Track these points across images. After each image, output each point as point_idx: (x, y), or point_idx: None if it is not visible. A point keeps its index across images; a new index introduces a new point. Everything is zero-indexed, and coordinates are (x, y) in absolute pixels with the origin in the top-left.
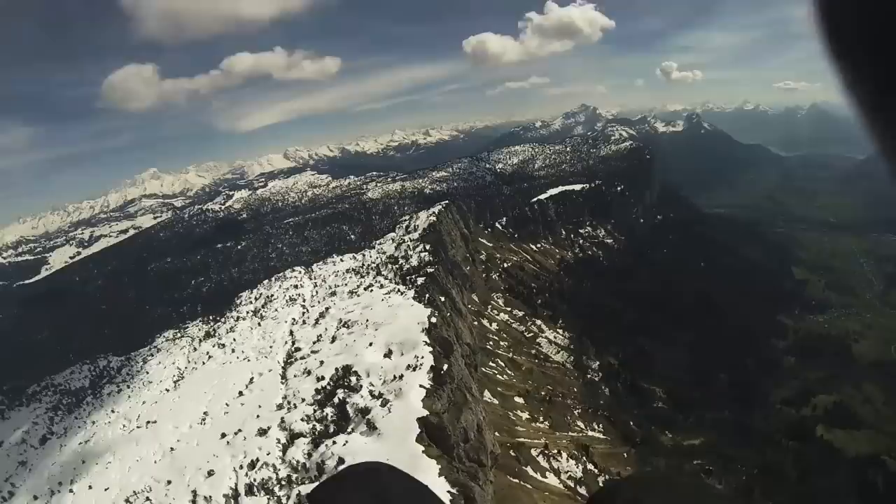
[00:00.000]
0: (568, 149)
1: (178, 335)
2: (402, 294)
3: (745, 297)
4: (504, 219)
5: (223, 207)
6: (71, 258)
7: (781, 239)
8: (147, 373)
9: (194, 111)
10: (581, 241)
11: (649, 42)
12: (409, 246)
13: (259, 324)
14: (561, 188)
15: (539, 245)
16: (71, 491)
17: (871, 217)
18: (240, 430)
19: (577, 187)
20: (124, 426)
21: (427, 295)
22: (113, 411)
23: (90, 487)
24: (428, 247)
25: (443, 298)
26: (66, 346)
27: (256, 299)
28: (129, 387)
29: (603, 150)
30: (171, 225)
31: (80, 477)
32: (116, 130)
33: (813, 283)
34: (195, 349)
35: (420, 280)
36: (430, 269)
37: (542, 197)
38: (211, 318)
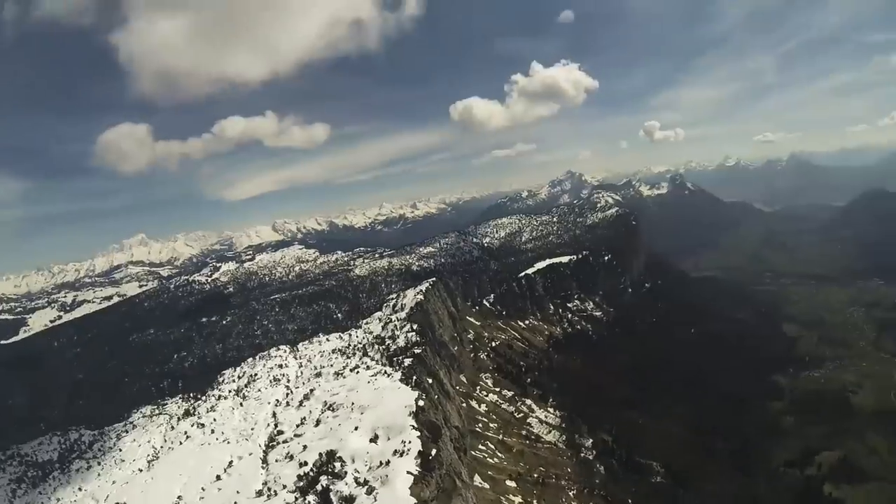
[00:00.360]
0: (555, 219)
1: (156, 412)
2: (388, 376)
3: (737, 360)
4: (492, 296)
5: (210, 280)
6: (51, 321)
7: (769, 297)
8: (120, 450)
9: (185, 176)
10: (569, 316)
11: (632, 101)
12: (395, 326)
13: (241, 404)
14: (548, 261)
15: (527, 322)
16: None
17: (855, 265)
18: None
19: (565, 259)
20: None
21: (414, 377)
22: (80, 489)
23: None
24: (415, 326)
25: (430, 380)
26: (38, 414)
27: (239, 378)
28: (99, 464)
29: (589, 218)
30: (157, 295)
31: None
32: (107, 192)
33: (805, 339)
34: (172, 427)
35: (407, 361)
36: (417, 350)
37: (530, 271)
38: (191, 395)
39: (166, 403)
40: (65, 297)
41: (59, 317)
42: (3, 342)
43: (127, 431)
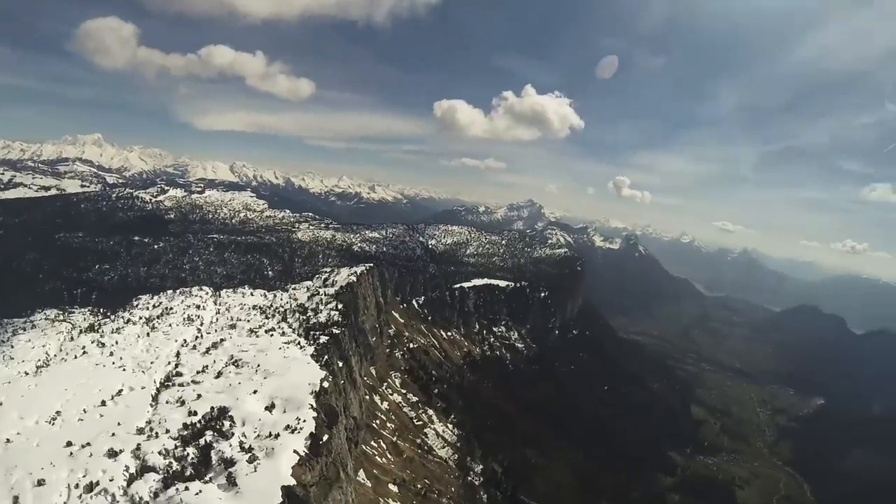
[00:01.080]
0: (503, 242)
1: (60, 317)
2: (301, 348)
3: (640, 426)
4: (422, 298)
5: (154, 200)
6: None
7: (687, 376)
8: (11, 346)
9: (159, 89)
10: (492, 339)
11: (611, 151)
12: (321, 300)
13: (148, 334)
14: (486, 280)
15: (450, 333)
16: None
17: (775, 369)
18: (88, 444)
19: (502, 283)
20: None
21: (326, 357)
22: None
23: None
24: (340, 306)
25: (340, 364)
26: None
27: (154, 307)
28: None
29: (537, 251)
30: (96, 199)
31: None
32: (77, 80)
33: (708, 425)
34: (72, 338)
35: (323, 339)
36: (335, 330)
37: (466, 285)
38: (101, 311)
39: (73, 312)
40: (2, 174)
41: None
42: None
43: (24, 329)
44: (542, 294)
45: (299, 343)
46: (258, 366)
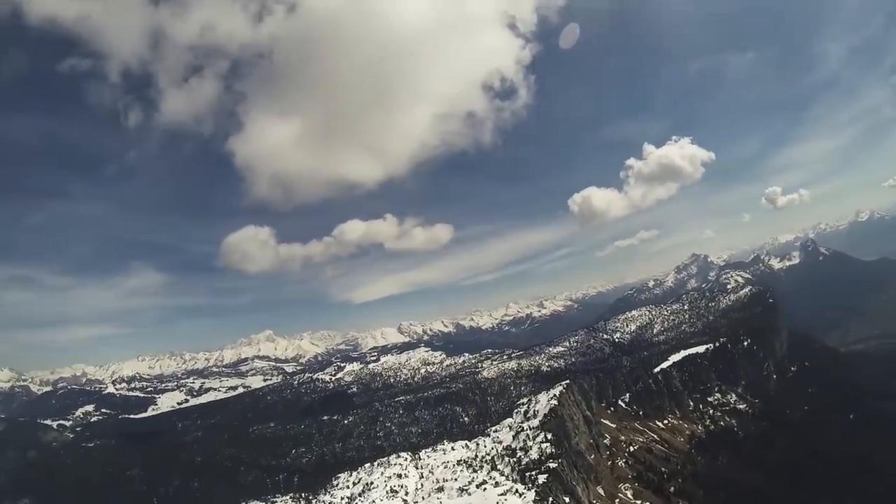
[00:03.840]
0: (685, 307)
1: None
2: (520, 496)
3: None
4: (627, 395)
5: (333, 378)
6: (178, 404)
7: None
8: None
9: (308, 278)
10: (711, 411)
11: (749, 167)
12: (528, 435)
13: None
14: (683, 352)
15: (666, 421)
16: None
17: None
18: None
19: (701, 349)
20: None
21: (550, 498)
22: None
23: None
24: (549, 436)
25: (567, 499)
26: (154, 489)
27: (354, 484)
28: None
29: (722, 301)
30: (280, 389)
31: None
32: (235, 289)
33: None
34: None
35: (542, 478)
36: (552, 464)
37: (665, 365)
38: (303, 495)
39: (276, 500)
40: (193, 382)
41: (186, 400)
42: (132, 416)
43: None
44: (745, 343)
45: (517, 490)
46: None
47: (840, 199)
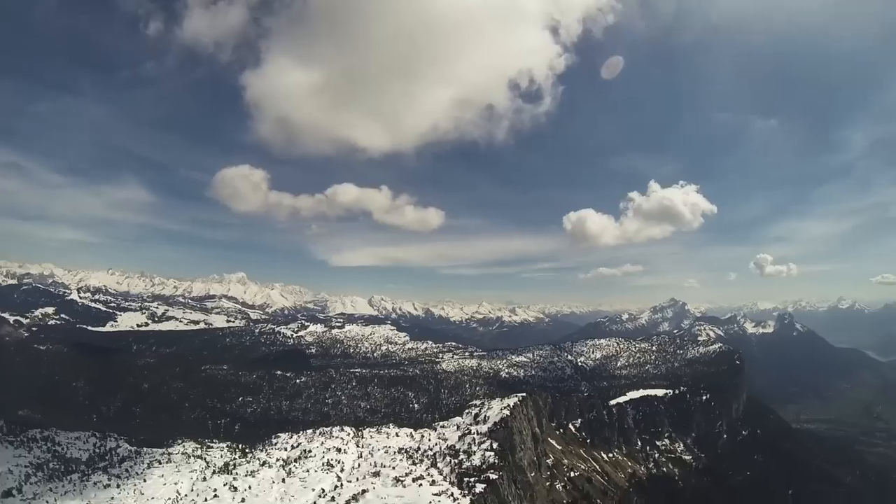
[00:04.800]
0: (654, 347)
1: (197, 452)
2: (454, 500)
3: None
4: (579, 420)
5: (295, 335)
6: (137, 325)
7: (880, 460)
8: (144, 480)
9: (293, 230)
10: (657, 455)
11: (747, 230)
12: (474, 440)
13: (283, 479)
14: (642, 391)
15: (611, 455)
16: None
17: None
18: None
19: (660, 392)
20: None
21: None
22: None
23: None
24: (495, 445)
25: None
26: (93, 405)
27: (293, 447)
28: (118, 486)
29: (690, 351)
30: (241, 334)
31: None
32: (218, 224)
33: None
34: (205, 479)
35: (479, 486)
36: (492, 475)
37: (622, 400)
38: (239, 447)
39: (212, 446)
40: (157, 307)
41: (146, 324)
42: (90, 328)
43: (160, 462)
44: (704, 397)
45: (452, 494)
46: None
47: (826, 282)
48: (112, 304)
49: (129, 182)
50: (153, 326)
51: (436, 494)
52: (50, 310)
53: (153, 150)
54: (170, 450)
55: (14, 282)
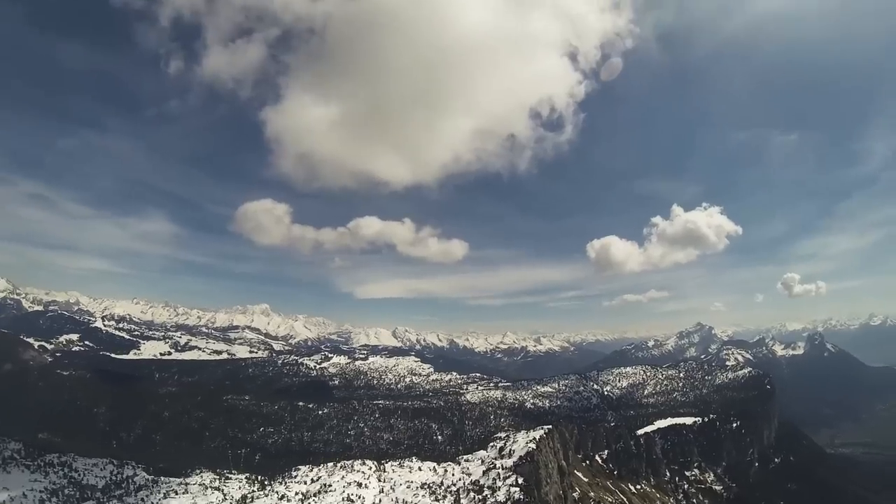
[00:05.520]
0: (681, 374)
1: (215, 484)
2: None
3: None
4: (605, 451)
5: (318, 367)
6: (160, 354)
7: None
8: None
9: (316, 262)
10: (686, 486)
11: (772, 249)
12: (499, 475)
13: None
14: (670, 420)
15: (640, 486)
16: None
17: None
18: None
19: (689, 421)
20: None
21: None
22: None
23: None
24: (521, 480)
25: None
26: (117, 432)
27: (313, 481)
28: None
29: (718, 377)
30: (263, 365)
31: None
32: (242, 257)
33: None
34: None
35: None
36: None
37: (649, 429)
38: (259, 479)
39: (230, 478)
40: (180, 337)
41: (169, 353)
42: (113, 355)
43: (176, 493)
44: (734, 424)
45: None
46: None
47: (856, 299)
48: (136, 333)
49: (154, 215)
50: (176, 355)
51: None
52: (74, 336)
53: (177, 185)
54: (187, 479)
55: (40, 308)
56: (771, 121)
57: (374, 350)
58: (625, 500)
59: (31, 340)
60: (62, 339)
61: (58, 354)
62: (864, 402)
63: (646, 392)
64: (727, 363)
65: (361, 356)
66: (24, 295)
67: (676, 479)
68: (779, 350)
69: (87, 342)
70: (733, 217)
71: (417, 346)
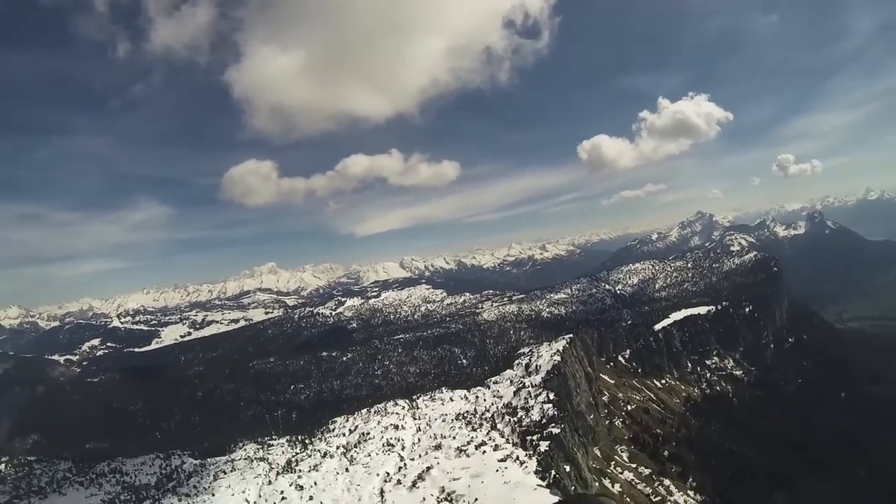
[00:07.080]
0: (689, 265)
1: (259, 454)
2: (521, 465)
3: None
4: (627, 351)
5: (334, 313)
6: (181, 336)
7: None
8: (213, 494)
9: (312, 211)
10: (708, 375)
11: (764, 132)
12: (529, 393)
13: (347, 468)
14: (685, 311)
15: (664, 381)
16: None
17: None
18: None
19: (703, 310)
20: None
21: (553, 471)
22: None
23: None
24: (551, 395)
25: (568, 467)
26: (154, 423)
27: (351, 431)
28: None
29: (726, 263)
30: (281, 323)
31: None
32: (237, 222)
33: None
34: (270, 482)
35: (543, 444)
36: (554, 429)
37: (666, 323)
38: (299, 438)
39: (272, 444)
40: (196, 315)
41: (189, 333)
42: (136, 350)
43: (225, 473)
44: (747, 309)
45: (517, 458)
46: (475, 501)
47: (851, 175)
48: (153, 322)
49: (143, 203)
50: (196, 334)
51: (501, 461)
52: (96, 342)
53: (159, 168)
54: (232, 455)
55: (57, 323)
56: (749, 5)
57: (385, 285)
58: (651, 395)
59: (56, 357)
60: (85, 347)
61: (84, 363)
62: (868, 276)
63: (657, 286)
64: (732, 249)
65: (374, 293)
66: (38, 315)
67: (698, 369)
68: (780, 231)
69: (109, 344)
70: (722, 103)
71: (427, 273)
